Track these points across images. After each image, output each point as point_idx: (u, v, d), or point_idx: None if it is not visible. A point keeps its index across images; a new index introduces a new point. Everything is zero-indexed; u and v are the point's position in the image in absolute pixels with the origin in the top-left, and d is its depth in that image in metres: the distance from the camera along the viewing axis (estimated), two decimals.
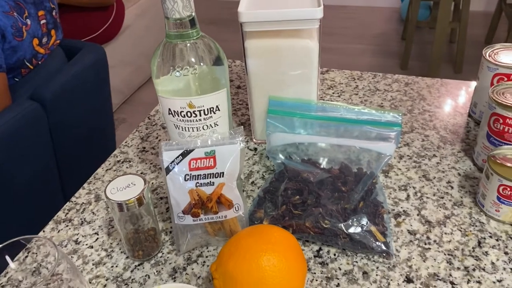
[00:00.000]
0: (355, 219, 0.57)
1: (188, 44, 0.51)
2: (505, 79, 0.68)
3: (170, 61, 0.52)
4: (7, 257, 0.46)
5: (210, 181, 0.55)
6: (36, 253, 0.57)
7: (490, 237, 0.57)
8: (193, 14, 0.51)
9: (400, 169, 0.69)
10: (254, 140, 0.76)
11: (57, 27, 1.26)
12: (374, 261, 0.56)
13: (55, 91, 1.15)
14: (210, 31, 3.09)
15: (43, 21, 1.18)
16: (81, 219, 0.65)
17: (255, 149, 0.75)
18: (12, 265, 0.48)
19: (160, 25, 2.57)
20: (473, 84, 0.84)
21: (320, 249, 0.58)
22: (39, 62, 1.22)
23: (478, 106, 0.75)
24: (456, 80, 0.87)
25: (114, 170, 0.73)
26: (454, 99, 0.83)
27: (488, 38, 2.68)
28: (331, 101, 0.84)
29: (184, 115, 0.54)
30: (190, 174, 0.55)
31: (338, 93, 0.86)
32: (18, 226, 1.07)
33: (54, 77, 1.18)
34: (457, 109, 0.80)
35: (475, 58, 2.54)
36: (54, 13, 1.23)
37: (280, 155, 0.68)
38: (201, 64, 0.52)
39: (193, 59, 0.52)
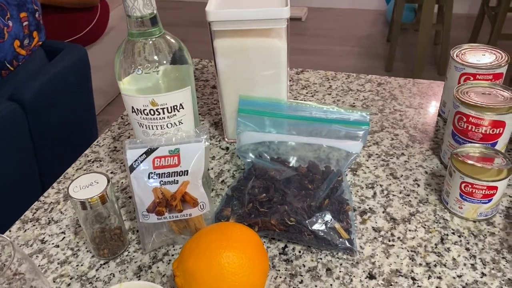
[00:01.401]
0: (319, 216, 0.57)
1: (150, 42, 0.52)
2: (471, 78, 0.69)
3: (132, 59, 0.52)
4: None
5: (175, 179, 0.55)
6: (0, 253, 0.57)
7: (453, 233, 0.58)
8: (155, 12, 0.51)
9: (368, 167, 0.69)
10: (226, 139, 0.77)
11: (39, 29, 1.26)
12: (338, 258, 0.56)
13: (35, 92, 1.14)
14: (198, 33, 3.09)
15: (25, 23, 1.17)
16: (48, 218, 0.64)
17: (227, 148, 0.75)
18: None
19: None
20: (443, 84, 0.85)
21: (286, 246, 0.58)
22: (20, 63, 1.21)
23: (447, 106, 0.76)
24: (428, 80, 0.89)
25: (84, 170, 0.72)
26: (425, 99, 0.84)
27: (472, 41, 2.71)
28: (304, 101, 0.84)
29: (147, 113, 0.54)
30: (154, 172, 0.55)
31: (311, 93, 0.87)
32: None
33: (34, 78, 1.17)
34: (428, 108, 0.81)
35: None
36: (37, 15, 1.22)
37: (250, 154, 0.68)
38: (164, 62, 0.53)
39: (155, 57, 0.52)
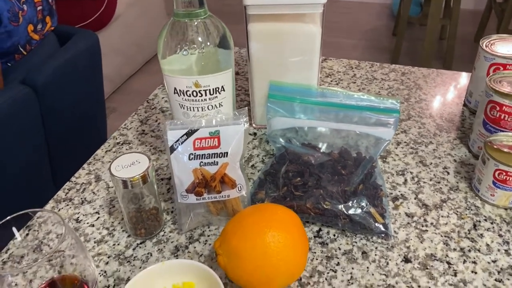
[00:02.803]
0: (355, 201, 0.58)
1: (196, 23, 0.52)
2: (501, 68, 0.70)
3: (178, 39, 0.52)
4: (14, 229, 0.46)
5: (214, 161, 0.55)
6: (37, 231, 0.57)
7: (485, 220, 0.59)
8: None
9: (397, 155, 0.70)
10: (254, 125, 0.77)
11: (52, 14, 1.25)
12: (373, 241, 0.57)
13: (48, 76, 1.14)
14: None
15: (39, 7, 1.17)
16: (81, 198, 0.65)
17: (255, 133, 0.76)
18: (19, 237, 0.49)
19: (152, 15, 2.55)
20: (467, 75, 0.86)
21: (320, 229, 0.59)
22: (32, 48, 1.20)
23: (473, 96, 0.77)
24: (451, 71, 0.89)
25: (114, 152, 0.73)
26: (450, 89, 0.84)
27: (478, 36, 2.72)
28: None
29: (189, 94, 0.54)
30: (195, 153, 0.55)
31: (336, 81, 0.87)
32: (6, 212, 1.06)
33: (46, 62, 1.17)
34: (453, 98, 0.82)
35: (464, 56, 2.58)
36: (50, 0, 1.22)
37: (280, 139, 0.69)
38: (208, 43, 0.53)
39: (200, 39, 0.52)
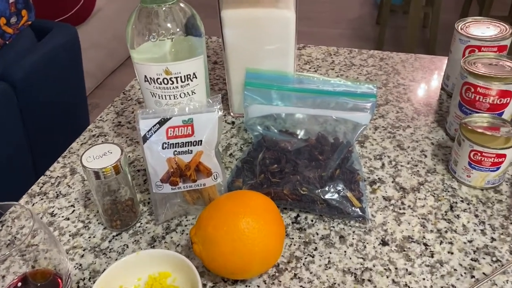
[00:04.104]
0: (331, 186, 0.58)
1: (164, 9, 0.51)
2: (476, 50, 0.70)
3: (146, 26, 0.51)
4: None
5: (188, 149, 0.55)
6: (10, 226, 0.56)
7: (462, 201, 0.59)
8: None
9: (375, 139, 0.70)
10: (232, 113, 0.76)
11: (29, 8, 1.22)
12: (350, 226, 0.57)
13: (26, 71, 1.12)
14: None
15: (11, 0, 1.15)
16: (56, 192, 0.64)
17: (233, 122, 0.75)
18: None
19: (133, 8, 2.52)
20: (445, 59, 0.86)
21: (298, 215, 0.58)
22: (7, 42, 1.18)
23: (450, 79, 0.77)
24: (429, 56, 0.89)
25: (89, 144, 0.71)
26: (428, 73, 0.84)
27: None
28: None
29: (160, 82, 0.54)
30: (168, 142, 0.54)
31: (314, 68, 0.87)
32: None
33: (24, 57, 1.15)
34: (431, 82, 0.82)
35: (447, 43, 2.59)
36: None
37: (258, 127, 0.68)
38: (177, 29, 0.52)
39: (169, 25, 0.51)
